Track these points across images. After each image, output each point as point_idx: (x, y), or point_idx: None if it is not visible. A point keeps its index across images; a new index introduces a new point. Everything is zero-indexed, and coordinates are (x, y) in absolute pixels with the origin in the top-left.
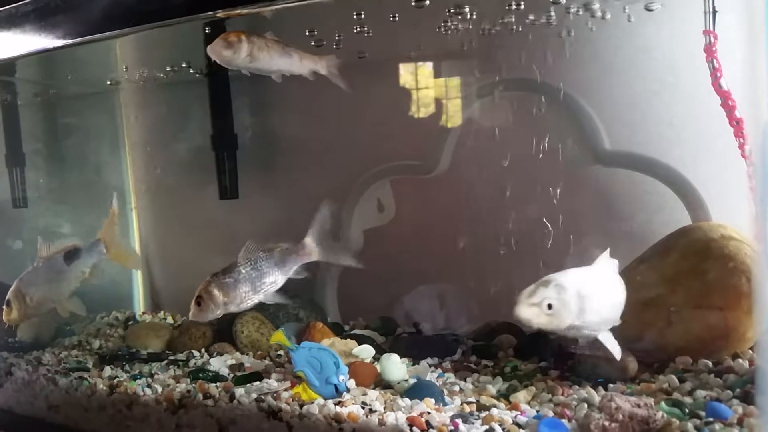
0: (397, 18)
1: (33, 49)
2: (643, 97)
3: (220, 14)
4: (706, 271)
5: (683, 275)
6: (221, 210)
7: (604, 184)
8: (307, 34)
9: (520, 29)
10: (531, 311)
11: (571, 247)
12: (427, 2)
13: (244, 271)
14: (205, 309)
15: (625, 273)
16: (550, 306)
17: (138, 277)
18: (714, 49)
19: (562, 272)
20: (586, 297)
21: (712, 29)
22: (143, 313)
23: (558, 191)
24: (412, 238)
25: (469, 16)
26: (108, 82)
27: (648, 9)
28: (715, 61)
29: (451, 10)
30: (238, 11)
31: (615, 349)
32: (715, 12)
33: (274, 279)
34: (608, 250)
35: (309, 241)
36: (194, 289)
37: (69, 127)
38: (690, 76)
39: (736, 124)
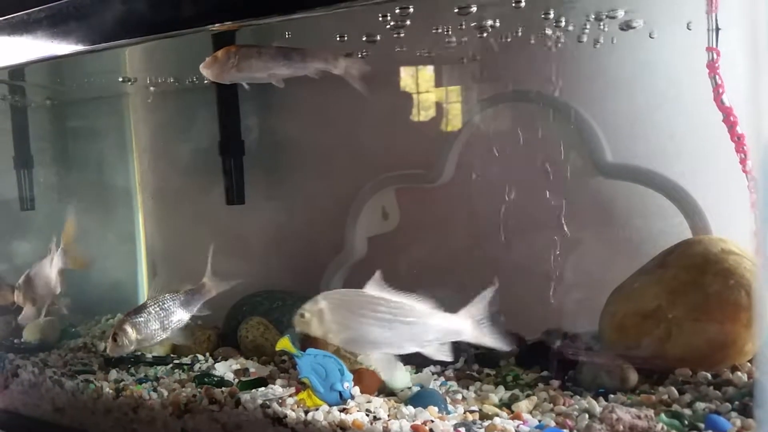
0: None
1: (45, 55)
2: (645, 111)
3: (228, 25)
4: (706, 284)
5: (683, 288)
6: (227, 215)
7: (605, 196)
8: (338, 39)
9: (527, 41)
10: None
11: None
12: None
13: (153, 311)
14: (120, 344)
15: (627, 284)
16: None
17: (143, 280)
18: (716, 65)
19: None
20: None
21: (714, 46)
22: None
23: (561, 201)
24: (415, 246)
25: (473, 27)
26: (117, 88)
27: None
28: (717, 77)
29: (457, 13)
30: (244, 23)
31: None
32: (718, 29)
33: (180, 317)
34: (378, 272)
35: (207, 280)
36: None
37: (77, 131)
38: (692, 91)
39: (738, 140)
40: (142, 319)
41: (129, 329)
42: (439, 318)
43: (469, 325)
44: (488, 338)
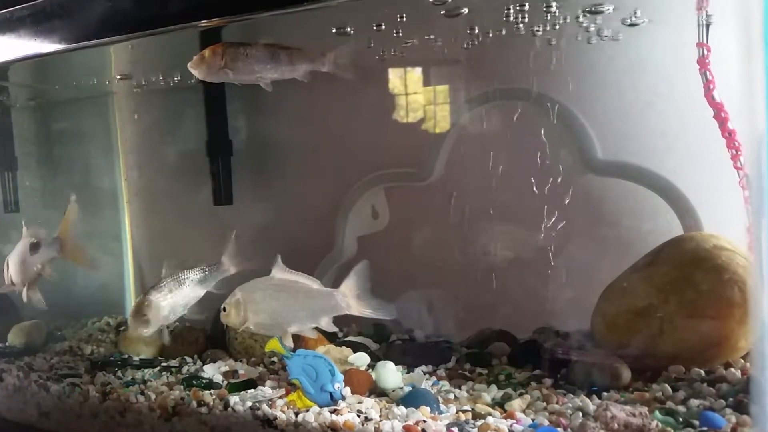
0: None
1: (28, 54)
2: (635, 108)
3: (215, 22)
4: (699, 281)
5: (676, 285)
6: (215, 215)
7: (596, 193)
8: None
9: (516, 38)
10: None
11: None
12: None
13: (172, 287)
14: (145, 320)
15: (619, 281)
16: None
17: (130, 282)
18: (707, 61)
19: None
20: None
21: (705, 42)
22: None
23: (551, 199)
24: (405, 245)
25: (463, 23)
26: (102, 87)
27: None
28: (708, 73)
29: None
30: (231, 19)
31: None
32: (708, 25)
33: (197, 293)
34: (279, 257)
35: (225, 259)
36: None
37: (62, 131)
38: (683, 87)
39: (729, 136)
40: (161, 294)
41: (153, 304)
42: (325, 294)
43: (350, 298)
44: (369, 310)
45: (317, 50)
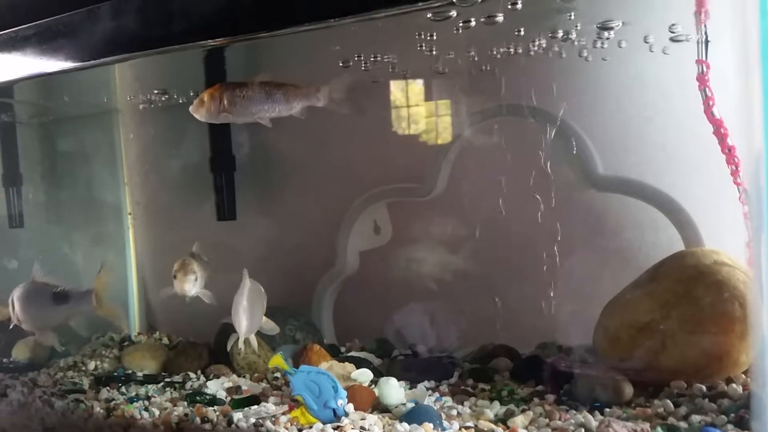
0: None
1: (33, 73)
2: (636, 123)
3: (220, 42)
4: (700, 296)
5: (677, 300)
6: (218, 231)
7: (597, 207)
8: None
9: (518, 55)
10: None
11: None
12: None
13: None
14: (189, 279)
15: (620, 296)
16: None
17: (134, 298)
18: (706, 77)
19: None
20: None
21: (704, 59)
22: (139, 333)
23: (553, 214)
24: (407, 260)
25: (465, 41)
26: (106, 104)
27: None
28: (707, 89)
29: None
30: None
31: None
32: (707, 42)
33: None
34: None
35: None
36: (189, 310)
37: (67, 148)
38: (682, 103)
39: (728, 152)
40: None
41: (198, 266)
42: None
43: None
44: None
45: (312, 86)
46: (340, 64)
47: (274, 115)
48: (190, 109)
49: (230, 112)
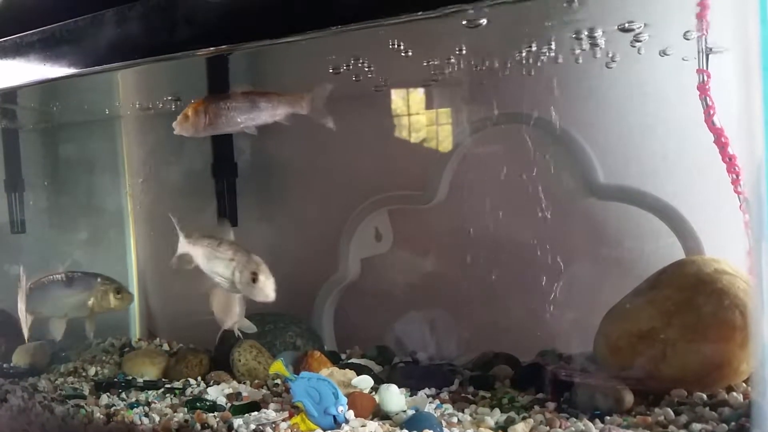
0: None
1: (37, 79)
2: (637, 132)
3: (223, 49)
4: (700, 304)
5: (677, 309)
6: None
7: (598, 215)
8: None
9: (519, 63)
10: None
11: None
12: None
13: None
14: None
15: (621, 304)
16: None
17: (134, 304)
18: (707, 87)
19: None
20: None
21: (705, 68)
22: (139, 339)
23: (554, 222)
24: (408, 267)
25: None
26: (108, 111)
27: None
28: (708, 98)
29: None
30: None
31: None
32: (708, 51)
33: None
34: None
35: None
36: (190, 316)
37: (68, 153)
38: (683, 112)
39: (729, 161)
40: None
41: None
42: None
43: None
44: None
45: (296, 94)
46: (334, 70)
47: (259, 123)
48: (174, 125)
49: (216, 124)
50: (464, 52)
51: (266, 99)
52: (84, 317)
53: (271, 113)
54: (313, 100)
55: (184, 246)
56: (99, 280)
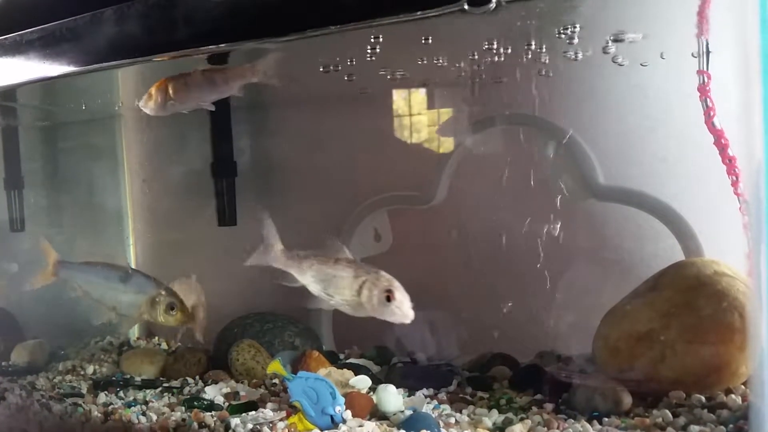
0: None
1: (37, 77)
2: (637, 133)
3: (223, 47)
4: (700, 306)
5: (677, 310)
6: (219, 237)
7: (598, 217)
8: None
9: (519, 64)
10: None
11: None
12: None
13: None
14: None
15: (620, 306)
16: None
17: None
18: (707, 88)
19: None
20: None
21: (705, 69)
22: (137, 338)
23: (553, 224)
24: (407, 268)
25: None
26: (109, 110)
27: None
28: (708, 100)
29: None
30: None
31: None
32: (708, 52)
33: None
34: None
35: (257, 67)
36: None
37: (69, 151)
38: (684, 113)
39: (729, 162)
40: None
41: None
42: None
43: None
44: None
45: (245, 66)
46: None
47: (216, 97)
48: (140, 104)
49: (176, 99)
50: (464, 52)
51: (221, 74)
52: (129, 317)
53: (225, 87)
54: (261, 68)
55: (281, 262)
56: (155, 286)
